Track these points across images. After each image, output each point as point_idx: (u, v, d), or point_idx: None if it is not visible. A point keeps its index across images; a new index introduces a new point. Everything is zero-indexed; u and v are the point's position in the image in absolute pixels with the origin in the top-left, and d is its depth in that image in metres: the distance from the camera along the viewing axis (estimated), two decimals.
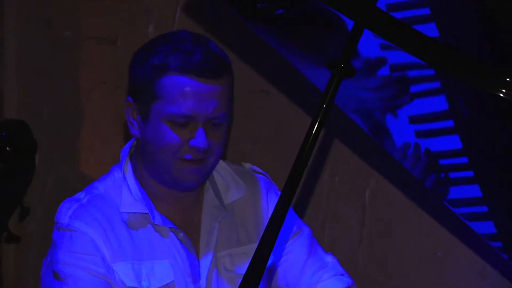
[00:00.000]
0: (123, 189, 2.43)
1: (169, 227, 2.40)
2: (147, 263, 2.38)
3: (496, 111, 1.96)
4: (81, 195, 2.44)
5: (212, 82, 2.34)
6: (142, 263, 2.38)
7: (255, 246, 2.45)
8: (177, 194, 2.44)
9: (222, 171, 2.52)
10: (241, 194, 2.51)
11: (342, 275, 2.54)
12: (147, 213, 2.39)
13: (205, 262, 2.43)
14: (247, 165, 2.59)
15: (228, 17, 3.45)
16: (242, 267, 2.46)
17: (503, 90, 1.82)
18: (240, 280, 2.41)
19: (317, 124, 1.94)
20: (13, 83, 3.85)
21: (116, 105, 3.59)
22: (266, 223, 2.48)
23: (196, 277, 2.41)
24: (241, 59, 3.47)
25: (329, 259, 2.54)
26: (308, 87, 2.36)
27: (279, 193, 2.53)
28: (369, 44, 1.99)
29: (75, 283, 2.33)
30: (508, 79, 1.82)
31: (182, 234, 2.41)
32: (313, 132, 1.94)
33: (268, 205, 2.54)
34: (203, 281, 2.42)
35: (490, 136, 2.12)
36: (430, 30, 2.04)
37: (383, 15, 1.93)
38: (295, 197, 1.96)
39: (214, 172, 2.47)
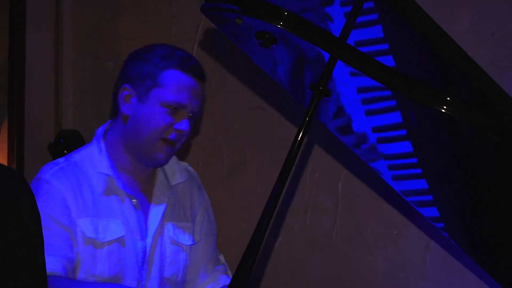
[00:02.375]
0: (98, 159, 2.37)
1: (126, 192, 2.36)
2: (104, 220, 2.33)
3: (439, 123, 1.95)
4: (60, 160, 2.40)
5: (201, 84, 2.36)
6: (100, 220, 2.33)
7: (190, 224, 2.48)
8: (141, 169, 2.39)
9: (170, 159, 2.47)
10: (183, 178, 2.49)
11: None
12: (113, 179, 2.35)
13: (152, 225, 2.40)
14: (184, 163, 2.57)
15: (232, 50, 3.44)
16: (182, 237, 2.45)
17: (445, 107, 1.81)
18: (179, 248, 2.43)
19: (301, 133, 1.93)
20: (69, 102, 3.84)
21: None
22: (198, 209, 2.51)
23: (143, 236, 2.38)
24: (242, 81, 3.46)
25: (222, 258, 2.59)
26: (295, 104, 2.35)
27: (203, 191, 2.57)
28: (341, 71, 1.98)
29: (45, 232, 2.22)
30: (448, 98, 1.81)
31: (135, 200, 2.37)
32: (299, 139, 1.93)
33: (199, 196, 2.53)
34: (149, 240, 2.38)
35: (434, 141, 2.11)
36: (388, 61, 2.03)
37: (352, 49, 1.92)
38: (284, 188, 1.95)
39: None
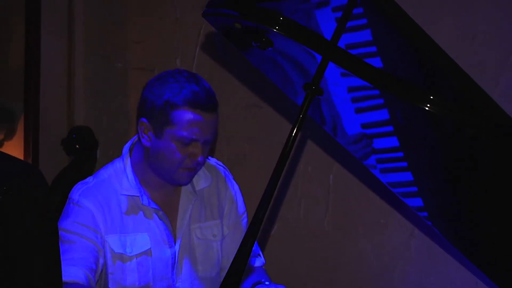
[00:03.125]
0: (123, 177, 2.37)
1: (152, 208, 2.36)
2: (131, 235, 2.33)
3: (423, 120, 1.95)
4: (90, 179, 2.38)
5: (210, 116, 2.31)
6: (127, 235, 2.33)
7: (217, 222, 2.47)
8: (165, 184, 2.40)
9: None
10: (208, 183, 2.48)
11: (259, 255, 2.53)
12: (137, 197, 2.35)
13: (180, 231, 2.39)
14: (213, 160, 2.56)
15: (232, 52, 3.44)
16: (210, 235, 2.44)
17: (428, 105, 1.81)
18: (208, 246, 2.42)
19: (295, 129, 1.93)
20: (80, 100, 3.83)
21: None
22: (225, 204, 2.50)
23: (171, 243, 2.37)
24: (241, 82, 3.45)
25: None
26: (290, 103, 2.34)
27: (234, 181, 2.56)
28: (333, 72, 1.98)
29: (71, 246, 2.27)
30: (432, 97, 1.81)
31: (161, 213, 2.37)
32: (293, 134, 1.93)
33: (226, 190, 2.51)
34: (177, 246, 2.38)
35: (418, 137, 2.10)
36: (377, 62, 2.03)
37: (343, 52, 1.91)
38: (280, 181, 1.95)
39: None
